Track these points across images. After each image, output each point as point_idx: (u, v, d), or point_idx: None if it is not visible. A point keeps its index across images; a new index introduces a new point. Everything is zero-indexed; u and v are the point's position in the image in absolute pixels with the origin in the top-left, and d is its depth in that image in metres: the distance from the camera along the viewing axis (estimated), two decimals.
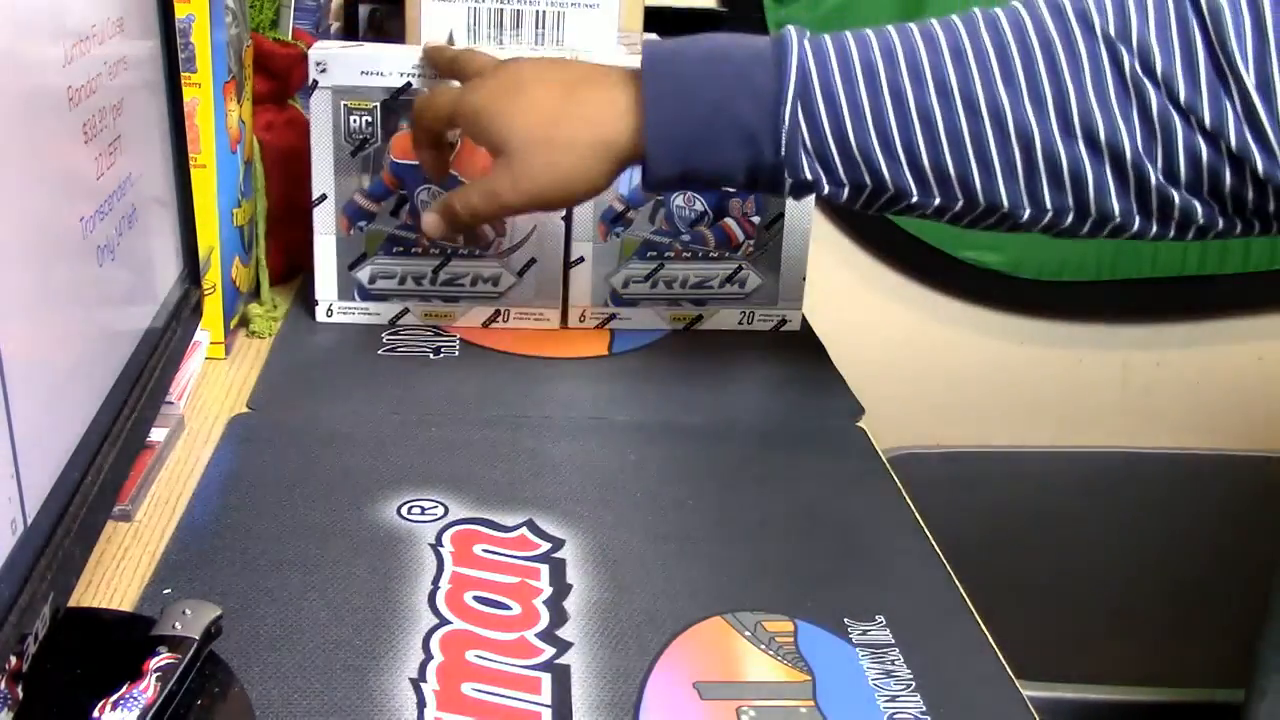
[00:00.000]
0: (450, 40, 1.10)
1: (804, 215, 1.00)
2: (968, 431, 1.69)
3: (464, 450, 0.81)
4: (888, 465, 0.83)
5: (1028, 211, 0.67)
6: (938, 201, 0.68)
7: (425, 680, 0.60)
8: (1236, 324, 1.68)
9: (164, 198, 0.71)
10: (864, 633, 0.65)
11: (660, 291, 1.00)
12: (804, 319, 1.03)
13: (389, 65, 0.92)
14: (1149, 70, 0.62)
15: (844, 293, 1.59)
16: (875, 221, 1.55)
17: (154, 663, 0.55)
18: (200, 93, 0.86)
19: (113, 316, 0.61)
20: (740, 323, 1.02)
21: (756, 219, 0.99)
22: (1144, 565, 1.65)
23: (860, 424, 0.89)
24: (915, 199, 0.68)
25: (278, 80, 1.02)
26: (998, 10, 0.66)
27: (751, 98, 0.67)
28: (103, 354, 0.60)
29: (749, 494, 0.78)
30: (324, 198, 0.95)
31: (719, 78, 0.68)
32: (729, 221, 0.99)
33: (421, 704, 0.58)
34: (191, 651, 0.56)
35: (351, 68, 0.92)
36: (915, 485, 0.82)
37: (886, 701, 0.60)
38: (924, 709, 0.60)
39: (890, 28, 0.68)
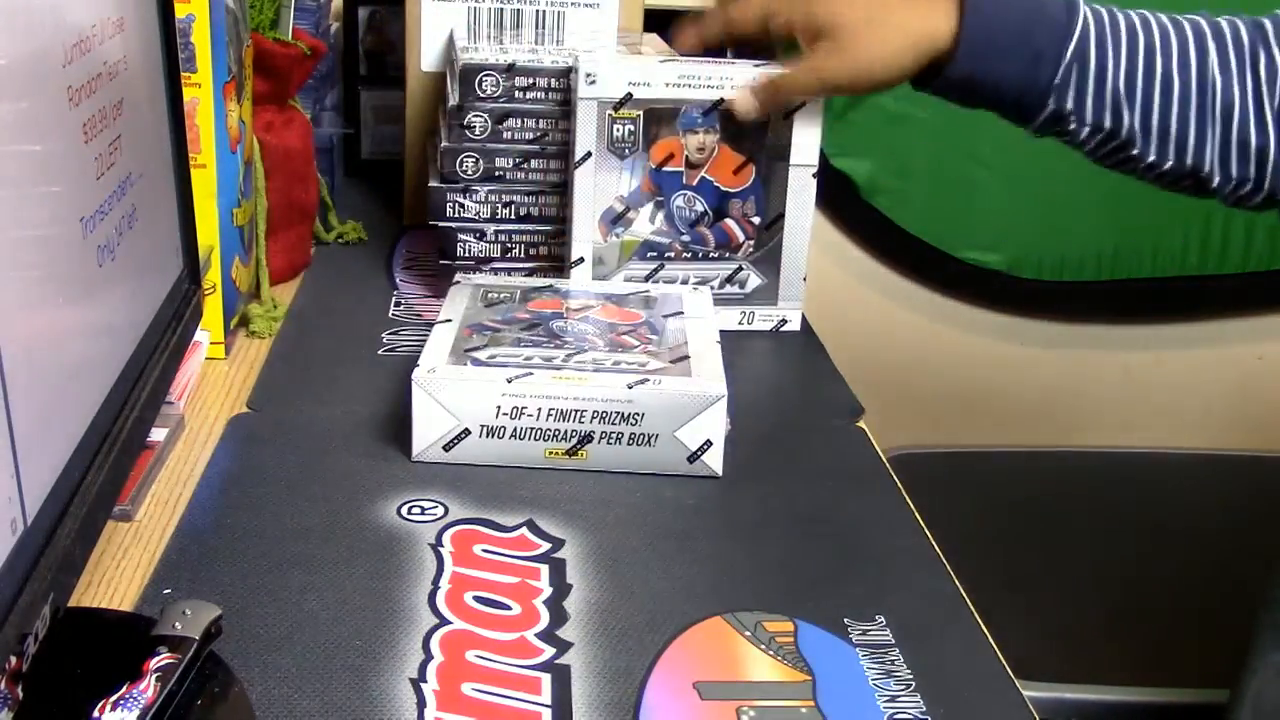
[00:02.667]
0: (450, 41, 1.10)
1: (804, 215, 1.00)
2: (968, 431, 1.69)
3: None
4: (888, 465, 0.83)
5: (1218, 178, 0.82)
6: (1153, 157, 0.82)
7: (425, 680, 0.60)
8: (1236, 324, 1.68)
9: (164, 198, 0.71)
10: (864, 633, 0.65)
11: None
12: (804, 318, 1.03)
13: (657, 77, 0.94)
14: None
15: (844, 293, 1.60)
16: (875, 222, 1.55)
17: (154, 663, 0.55)
18: (200, 93, 0.86)
19: (113, 316, 0.61)
20: (740, 323, 1.02)
21: (756, 219, 0.99)
22: (1144, 565, 1.65)
23: (860, 424, 0.89)
24: (1137, 149, 0.82)
25: (278, 80, 1.02)
26: (1220, 19, 0.83)
27: (1047, 27, 0.81)
28: (103, 354, 0.59)
29: (749, 494, 0.78)
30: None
31: (1023, 4, 0.83)
32: (729, 222, 0.99)
33: (421, 704, 0.58)
34: (191, 651, 0.56)
35: (619, 79, 0.93)
36: (915, 485, 0.82)
37: (886, 701, 0.60)
38: (924, 709, 0.60)
39: (1145, 11, 0.84)
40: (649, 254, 0.99)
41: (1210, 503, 1.64)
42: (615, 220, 0.97)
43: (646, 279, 0.99)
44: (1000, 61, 0.82)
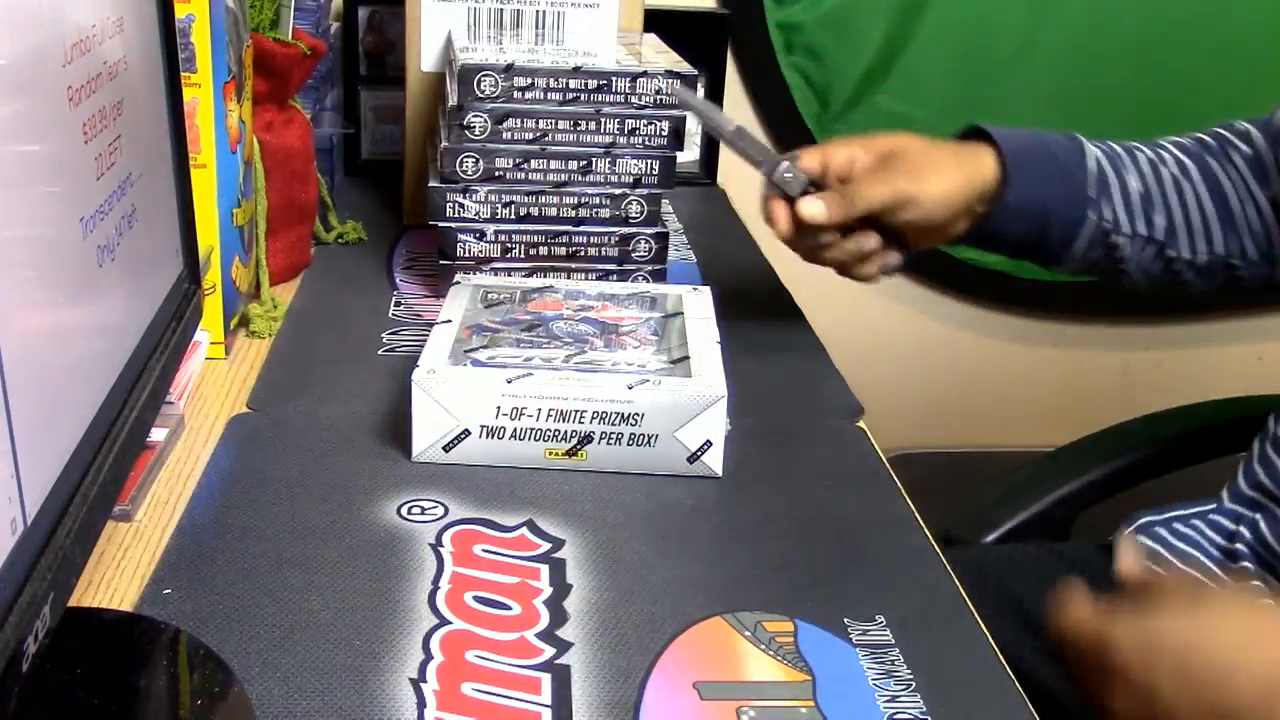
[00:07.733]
0: (449, 41, 1.10)
1: None
2: (968, 431, 1.69)
3: None
4: (888, 465, 0.83)
5: (1240, 261, 0.95)
6: (1187, 254, 0.95)
7: (425, 680, 0.60)
8: (1236, 324, 1.68)
9: (164, 198, 0.71)
10: (864, 633, 0.65)
11: None
12: (803, 318, 1.03)
13: None
14: None
15: (844, 293, 1.59)
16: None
17: None
18: (200, 93, 0.86)
19: (112, 316, 0.61)
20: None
21: None
22: None
23: (860, 424, 0.89)
24: (1173, 249, 0.94)
25: (278, 80, 1.02)
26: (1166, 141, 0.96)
27: (1065, 149, 0.94)
28: (103, 354, 0.59)
29: (749, 494, 0.78)
30: None
31: (1033, 136, 0.94)
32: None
33: (421, 704, 0.58)
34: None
35: None
36: (915, 485, 0.82)
37: (886, 701, 0.60)
38: (924, 709, 0.60)
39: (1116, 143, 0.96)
40: None
41: None
42: None
43: None
44: (1042, 182, 0.90)
